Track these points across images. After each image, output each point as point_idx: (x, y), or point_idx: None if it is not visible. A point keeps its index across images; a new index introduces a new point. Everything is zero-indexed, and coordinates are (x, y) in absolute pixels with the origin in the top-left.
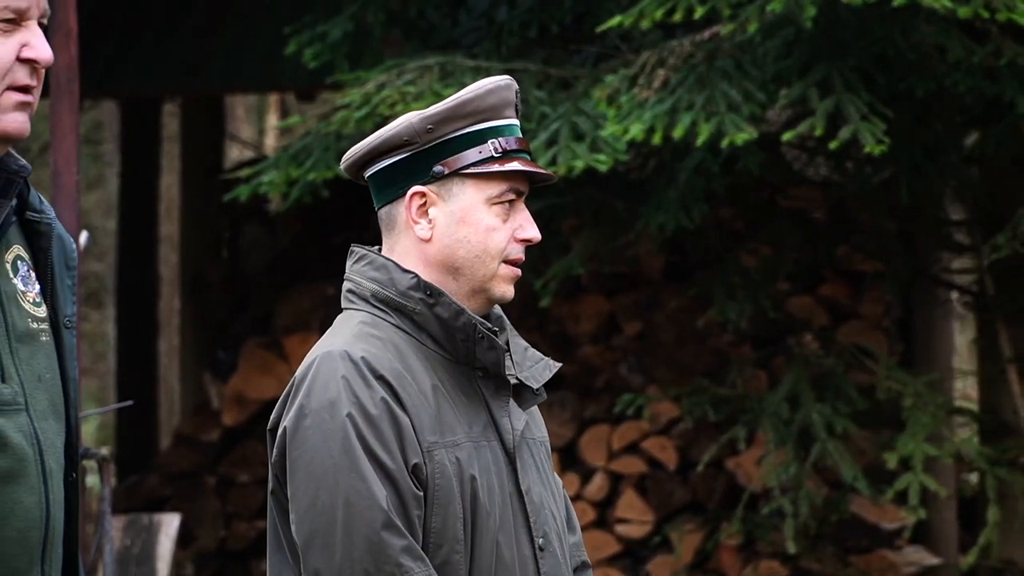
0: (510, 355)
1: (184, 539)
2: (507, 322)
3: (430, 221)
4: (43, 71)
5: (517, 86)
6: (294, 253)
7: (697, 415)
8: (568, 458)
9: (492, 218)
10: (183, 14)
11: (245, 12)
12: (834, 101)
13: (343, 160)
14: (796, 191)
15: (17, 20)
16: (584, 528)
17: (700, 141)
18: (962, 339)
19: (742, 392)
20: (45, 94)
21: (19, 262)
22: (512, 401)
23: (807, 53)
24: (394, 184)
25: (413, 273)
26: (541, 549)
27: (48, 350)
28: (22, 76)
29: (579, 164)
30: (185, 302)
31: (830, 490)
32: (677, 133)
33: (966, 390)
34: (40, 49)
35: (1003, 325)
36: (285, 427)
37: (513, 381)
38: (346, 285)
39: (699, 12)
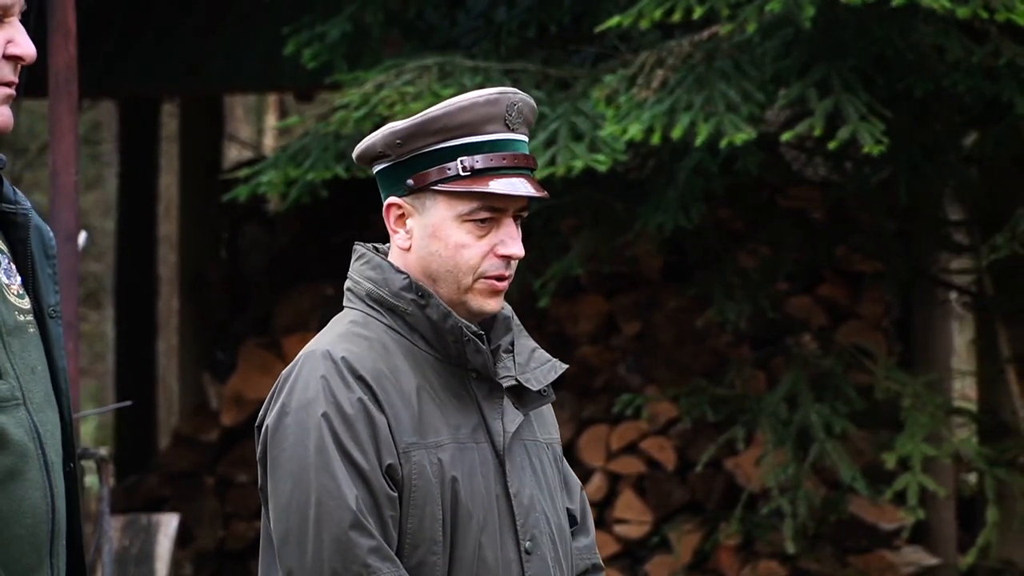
0: (513, 357)
1: (183, 539)
2: (515, 322)
3: (408, 231)
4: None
5: (514, 99)
6: (293, 253)
7: (696, 415)
8: (567, 458)
9: (463, 235)
10: (183, 14)
11: (245, 12)
12: (833, 101)
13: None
14: (795, 191)
15: (1, 17)
16: None
17: (699, 141)
18: (961, 339)
19: (741, 392)
20: (44, 94)
21: None
22: (507, 403)
23: (806, 53)
24: (383, 189)
25: (405, 274)
26: (528, 552)
27: (37, 342)
28: (7, 72)
29: (578, 164)
30: (184, 302)
31: (829, 490)
32: (676, 133)
33: (965, 390)
34: (25, 46)
35: (1002, 325)
36: (267, 425)
37: (511, 383)
38: (347, 283)
39: (698, 12)
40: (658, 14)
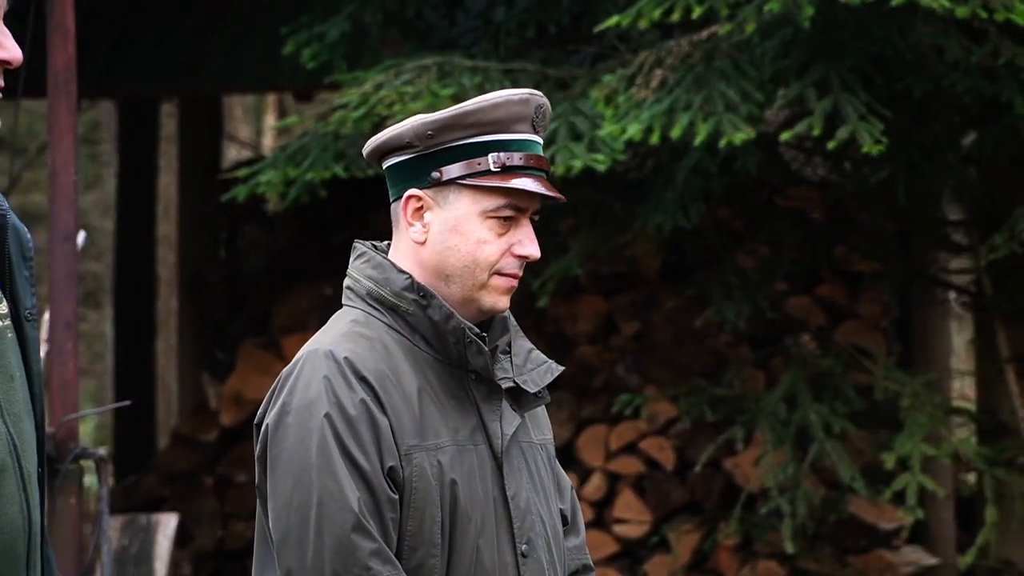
0: (511, 358)
1: (182, 539)
2: (513, 324)
3: (424, 225)
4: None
5: (541, 102)
6: (292, 253)
7: (695, 415)
8: (566, 458)
9: (485, 231)
10: (182, 14)
11: (244, 12)
12: (832, 101)
13: (364, 147)
14: (794, 191)
15: None
16: None
17: (698, 141)
18: (960, 339)
19: (740, 392)
20: (43, 94)
21: None
22: (505, 404)
23: (805, 53)
24: (399, 182)
25: (407, 274)
26: (524, 555)
27: (14, 347)
28: None
29: (577, 164)
30: (183, 302)
31: (828, 490)
32: (675, 133)
33: (964, 390)
34: (11, 49)
35: (1001, 325)
36: (267, 424)
37: (509, 384)
38: (346, 281)
39: (697, 12)
40: (657, 14)
